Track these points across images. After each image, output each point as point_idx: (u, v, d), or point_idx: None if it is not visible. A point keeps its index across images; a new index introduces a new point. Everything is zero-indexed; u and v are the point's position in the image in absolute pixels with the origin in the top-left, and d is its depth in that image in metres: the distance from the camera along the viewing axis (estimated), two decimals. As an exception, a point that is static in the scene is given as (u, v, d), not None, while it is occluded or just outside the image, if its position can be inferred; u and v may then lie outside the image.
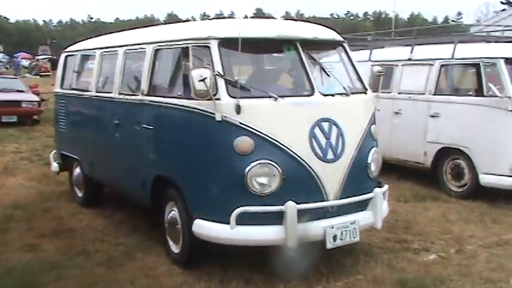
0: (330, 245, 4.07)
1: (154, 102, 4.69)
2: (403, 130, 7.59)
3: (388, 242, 5.17)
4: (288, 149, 4.00)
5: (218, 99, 3.96)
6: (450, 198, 6.87)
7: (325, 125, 4.16)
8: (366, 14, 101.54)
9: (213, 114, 3.95)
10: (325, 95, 4.29)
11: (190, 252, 4.38)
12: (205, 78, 3.80)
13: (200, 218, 4.08)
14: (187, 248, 4.38)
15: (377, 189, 4.41)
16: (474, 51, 6.93)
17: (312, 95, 4.23)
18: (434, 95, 7.15)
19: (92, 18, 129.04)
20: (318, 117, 4.14)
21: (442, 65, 7.15)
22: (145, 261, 4.65)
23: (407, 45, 7.87)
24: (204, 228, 4.06)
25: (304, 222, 3.98)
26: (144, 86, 4.84)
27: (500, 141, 6.41)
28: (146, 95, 4.81)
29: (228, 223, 3.89)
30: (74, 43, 7.08)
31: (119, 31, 6.32)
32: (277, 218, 3.92)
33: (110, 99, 5.47)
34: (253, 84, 4.25)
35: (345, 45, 4.87)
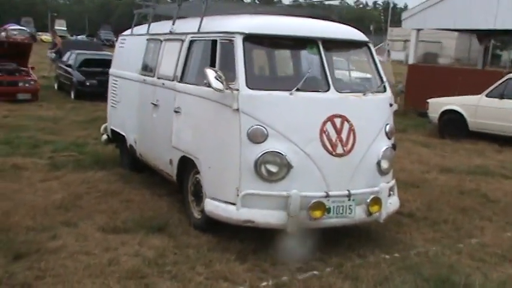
0: None
1: None
2: (158, 128, 5.61)
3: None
4: None
5: None
6: (187, 228, 4.91)
7: None
8: (375, 3, 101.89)
9: None
10: None
11: None
12: None
13: None
14: None
15: None
16: (217, 24, 4.89)
17: None
18: (179, 82, 5.15)
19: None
20: None
21: (191, 42, 5.13)
22: None
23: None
24: None
25: None
26: None
27: (225, 152, 4.41)
28: None
29: None
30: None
31: None
32: None
33: None
34: None
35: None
